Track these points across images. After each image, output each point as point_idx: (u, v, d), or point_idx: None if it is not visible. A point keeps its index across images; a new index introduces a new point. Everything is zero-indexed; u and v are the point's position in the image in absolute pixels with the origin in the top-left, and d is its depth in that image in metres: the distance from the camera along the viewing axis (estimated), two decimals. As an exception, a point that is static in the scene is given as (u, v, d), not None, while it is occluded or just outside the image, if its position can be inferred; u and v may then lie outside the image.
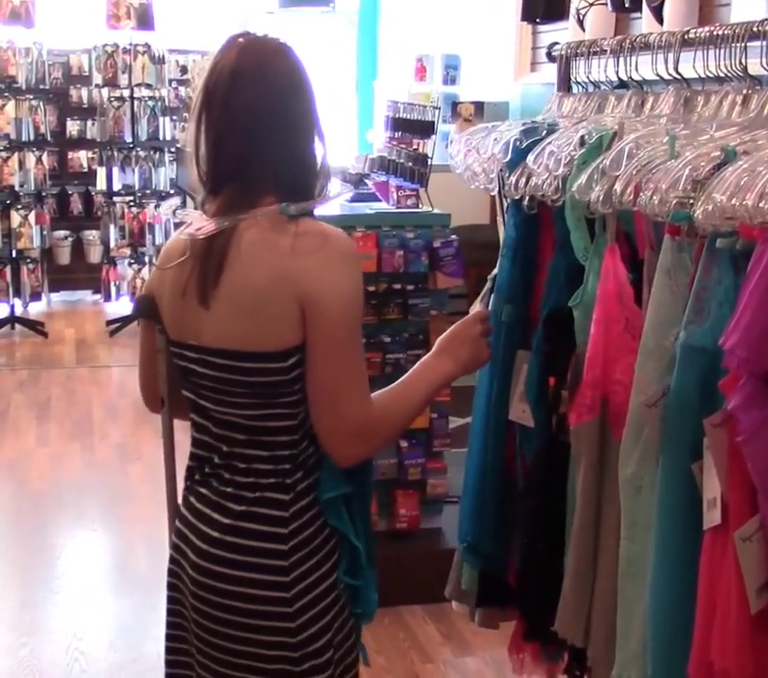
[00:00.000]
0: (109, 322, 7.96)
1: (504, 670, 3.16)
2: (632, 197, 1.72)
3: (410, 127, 3.93)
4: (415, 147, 3.85)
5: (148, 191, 8.36)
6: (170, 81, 8.60)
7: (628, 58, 2.16)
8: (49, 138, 8.54)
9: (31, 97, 8.23)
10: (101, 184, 8.36)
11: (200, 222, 1.74)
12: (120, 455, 5.41)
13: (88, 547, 4.41)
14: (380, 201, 3.89)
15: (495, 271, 2.29)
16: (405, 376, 1.85)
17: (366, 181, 4.01)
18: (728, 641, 1.53)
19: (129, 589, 3.93)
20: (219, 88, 1.71)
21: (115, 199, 8.30)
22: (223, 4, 8.75)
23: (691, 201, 1.58)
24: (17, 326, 7.92)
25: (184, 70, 8.69)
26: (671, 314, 1.67)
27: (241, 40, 1.74)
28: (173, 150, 8.36)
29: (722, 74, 1.91)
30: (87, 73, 8.77)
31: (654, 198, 1.65)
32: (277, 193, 1.71)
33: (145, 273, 8.21)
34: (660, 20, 3.37)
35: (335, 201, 3.74)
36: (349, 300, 1.70)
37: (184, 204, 2.12)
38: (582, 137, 1.95)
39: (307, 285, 1.66)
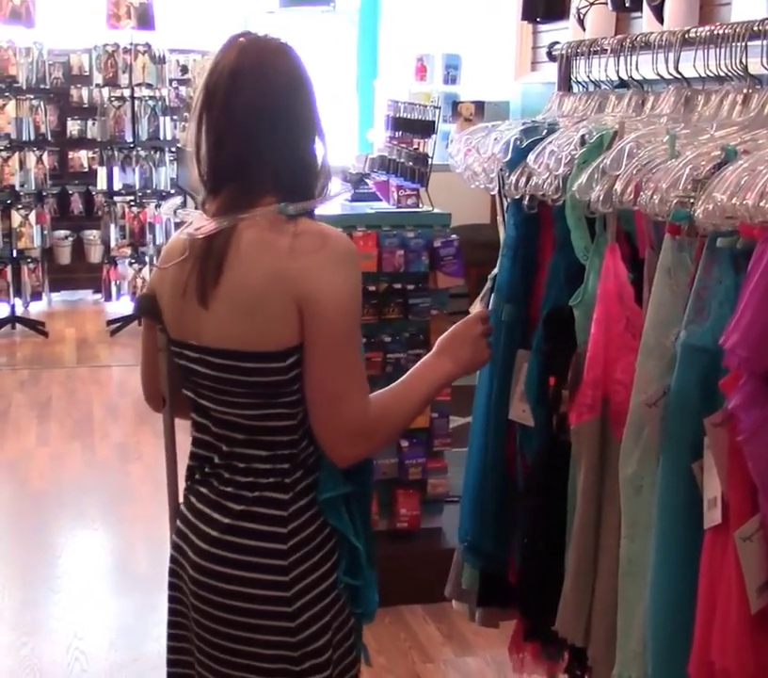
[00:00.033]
0: (110, 322, 7.96)
1: (504, 670, 3.16)
2: (632, 196, 1.72)
3: (411, 127, 3.93)
4: (416, 146, 3.84)
5: (148, 191, 8.36)
6: (171, 81, 8.60)
7: (628, 58, 2.16)
8: (49, 138, 8.54)
9: (32, 97, 8.23)
10: (101, 183, 8.36)
11: (199, 222, 1.74)
12: (120, 454, 5.41)
13: (89, 547, 4.41)
14: (381, 200, 3.89)
15: (495, 271, 2.29)
16: (404, 376, 1.85)
17: (367, 180, 4.00)
18: (729, 641, 1.53)
19: (129, 589, 3.94)
20: (220, 88, 1.71)
21: (115, 198, 8.30)
22: (223, 3, 8.76)
23: (691, 201, 1.58)
24: (18, 325, 7.92)
25: (184, 69, 8.70)
26: (672, 313, 1.67)
27: (242, 39, 1.74)
28: (174, 149, 8.37)
29: (722, 74, 1.91)
30: (87, 73, 8.77)
31: (655, 197, 1.65)
32: (277, 193, 1.71)
33: (145, 273, 8.21)
34: (660, 19, 3.37)
35: (335, 201, 3.74)
36: (347, 300, 1.70)
37: (184, 204, 2.13)
38: (582, 136, 1.95)
39: (305, 285, 1.66)
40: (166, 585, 1.89)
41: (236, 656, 1.77)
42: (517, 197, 2.13)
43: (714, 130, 1.79)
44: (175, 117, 8.47)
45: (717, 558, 1.56)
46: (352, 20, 8.59)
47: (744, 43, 1.86)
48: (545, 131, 2.13)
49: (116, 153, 8.28)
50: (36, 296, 8.35)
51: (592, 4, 3.84)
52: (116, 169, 8.25)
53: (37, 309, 8.48)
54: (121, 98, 8.28)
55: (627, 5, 3.60)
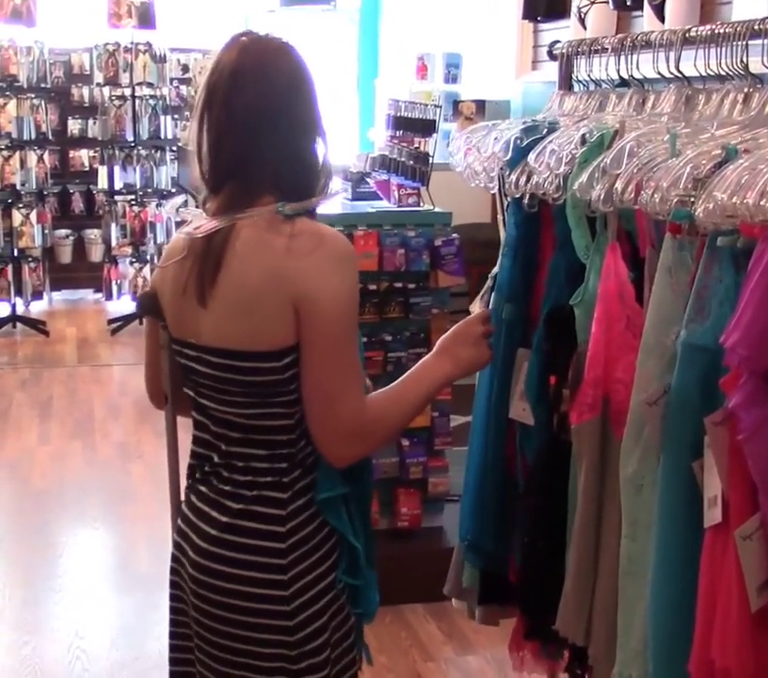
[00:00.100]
0: (111, 321, 7.96)
1: (505, 669, 3.16)
2: (633, 195, 1.72)
3: (412, 126, 3.93)
4: (416, 145, 3.84)
5: (149, 190, 8.36)
6: (172, 80, 8.60)
7: (629, 57, 2.16)
8: (50, 137, 8.54)
9: (32, 96, 8.23)
10: (102, 182, 8.36)
11: (199, 221, 1.75)
12: (121, 453, 5.41)
13: (90, 546, 4.41)
14: (381, 199, 3.89)
15: (496, 269, 2.29)
16: (404, 376, 1.85)
17: (367, 179, 4.00)
18: (729, 639, 1.53)
19: (131, 588, 3.94)
20: (221, 88, 1.72)
21: (116, 197, 8.30)
22: (224, 2, 8.76)
23: (692, 200, 1.58)
24: (19, 325, 7.93)
25: (185, 68, 8.69)
26: (672, 312, 1.67)
27: (243, 39, 1.74)
28: (175, 149, 8.37)
29: (723, 73, 1.91)
30: (88, 72, 8.77)
31: (655, 196, 1.65)
32: (277, 192, 1.71)
33: (146, 272, 8.22)
34: (661, 18, 3.37)
35: (335, 200, 3.75)
36: (344, 300, 1.70)
37: (187, 203, 2.13)
38: (583, 135, 1.95)
39: (302, 285, 1.66)
40: (166, 584, 1.90)
41: (235, 655, 1.77)
42: (517, 196, 2.13)
43: (715, 129, 1.79)
44: (176, 116, 8.47)
45: (717, 557, 1.56)
46: (353, 19, 8.59)
47: (744, 42, 1.86)
48: (545, 130, 2.13)
49: (117, 152, 8.28)
50: (37, 295, 8.35)
51: (593, 3, 3.84)
52: (117, 169, 8.25)
53: (38, 308, 8.48)
54: (122, 97, 8.28)
55: (628, 4, 3.59)
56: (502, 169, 2.18)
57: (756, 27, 1.83)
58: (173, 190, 8.21)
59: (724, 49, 1.89)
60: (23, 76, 8.13)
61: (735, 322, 1.48)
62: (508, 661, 2.34)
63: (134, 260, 8.32)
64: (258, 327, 1.69)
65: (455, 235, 3.65)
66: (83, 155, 9.07)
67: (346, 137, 8.00)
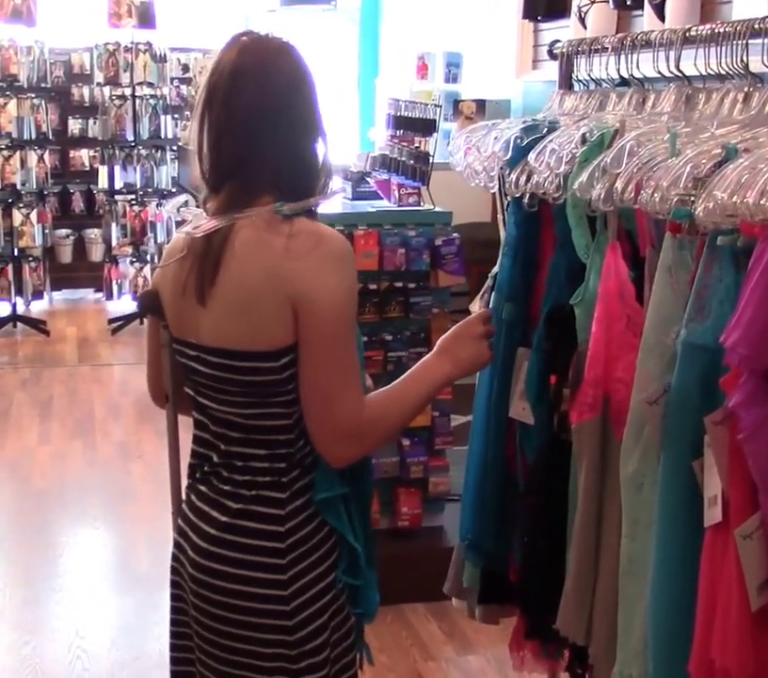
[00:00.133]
0: (111, 320, 7.96)
1: (506, 668, 3.16)
2: (633, 195, 1.72)
3: (412, 125, 3.93)
4: (417, 145, 3.84)
5: (149, 190, 8.36)
6: (172, 79, 8.60)
7: (629, 56, 2.16)
8: (51, 137, 8.54)
9: (33, 96, 8.23)
10: (102, 182, 8.36)
11: (199, 220, 1.75)
12: (121, 453, 5.41)
13: (90, 545, 4.41)
14: (382, 199, 3.89)
15: (496, 269, 2.29)
16: (403, 376, 1.85)
17: (368, 179, 4.00)
18: (729, 639, 1.53)
19: (131, 588, 3.94)
20: (221, 87, 1.72)
21: (116, 197, 8.30)
22: (224, 2, 8.76)
23: (692, 199, 1.58)
24: (19, 324, 7.93)
25: (185, 68, 8.69)
26: (672, 311, 1.67)
27: (244, 38, 1.74)
28: (175, 148, 8.37)
29: (723, 72, 1.91)
30: (88, 72, 8.77)
31: (655, 195, 1.65)
32: (276, 192, 1.71)
33: (147, 271, 8.22)
34: (661, 17, 3.37)
35: (335, 200, 3.74)
36: (342, 300, 1.69)
37: (188, 203, 2.13)
38: (583, 134, 1.95)
39: (300, 285, 1.66)
40: (167, 583, 1.90)
41: (235, 654, 1.78)
42: (517, 195, 2.13)
43: (715, 128, 1.79)
44: (176, 115, 8.47)
45: (718, 557, 1.56)
46: (353, 18, 8.59)
47: (744, 42, 1.86)
48: (546, 129, 2.13)
49: (117, 151, 8.29)
50: (37, 294, 8.35)
51: (593, 2, 3.84)
52: (117, 168, 8.26)
53: (38, 308, 8.49)
54: (123, 97, 8.28)
55: (628, 3, 3.59)
56: (502, 168, 2.18)
57: (756, 26, 1.83)
58: (173, 190, 8.21)
59: (724, 48, 1.89)
60: (23, 76, 8.13)
61: (735, 321, 1.48)
62: (509, 661, 2.34)
63: (134, 260, 8.33)
64: (256, 327, 1.69)
65: (455, 235, 3.65)
66: (83, 155, 9.07)
67: (347, 137, 8.00)
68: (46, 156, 8.31)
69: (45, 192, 8.48)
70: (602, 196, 1.79)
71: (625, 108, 2.15)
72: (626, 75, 2.19)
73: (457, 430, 3.72)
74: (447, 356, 1.87)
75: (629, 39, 2.16)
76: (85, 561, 4.22)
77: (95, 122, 8.71)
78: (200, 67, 7.47)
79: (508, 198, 2.22)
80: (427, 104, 3.89)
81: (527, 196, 2.10)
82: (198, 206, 1.84)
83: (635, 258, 1.88)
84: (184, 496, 1.90)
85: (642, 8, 3.50)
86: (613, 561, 1.86)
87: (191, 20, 8.69)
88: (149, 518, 4.48)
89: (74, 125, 8.98)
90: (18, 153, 7.96)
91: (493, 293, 2.27)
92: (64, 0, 8.61)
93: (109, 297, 8.47)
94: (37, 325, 7.88)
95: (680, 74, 2.05)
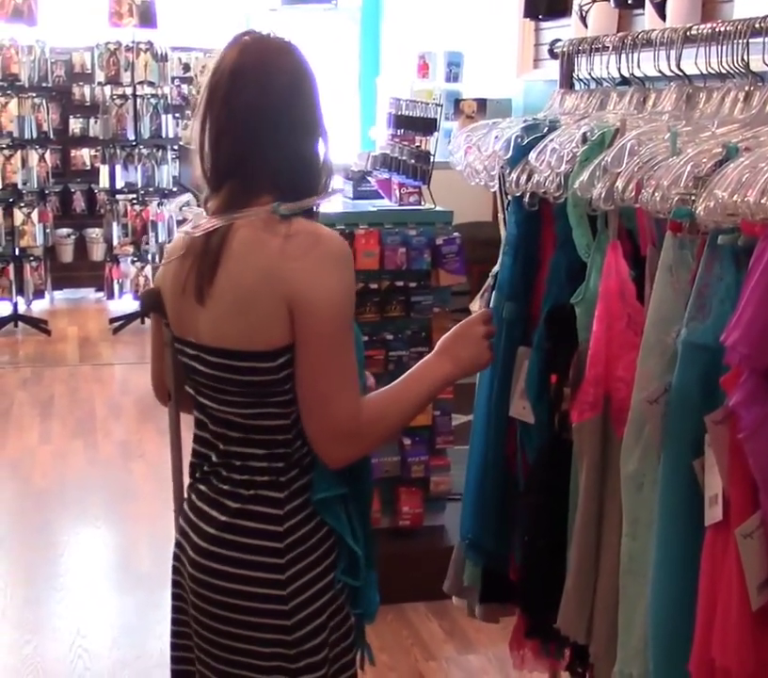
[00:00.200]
0: (112, 320, 7.96)
1: (506, 668, 3.16)
2: (633, 194, 1.72)
3: (413, 124, 3.93)
4: (418, 144, 3.84)
5: (150, 189, 8.36)
6: (173, 79, 8.60)
7: (630, 55, 2.16)
8: (52, 136, 8.53)
9: (34, 95, 8.23)
10: (103, 181, 8.35)
11: (199, 220, 1.75)
12: (122, 452, 5.41)
13: (92, 545, 4.41)
14: (383, 198, 3.89)
15: (496, 268, 2.29)
16: (403, 376, 1.84)
17: (369, 178, 4.00)
18: (729, 638, 1.53)
19: (132, 587, 3.94)
20: (221, 87, 1.72)
21: (118, 196, 8.30)
22: (226, 1, 8.76)
23: (692, 198, 1.58)
24: (20, 324, 7.93)
25: (186, 67, 8.69)
26: (673, 310, 1.67)
27: (246, 38, 1.75)
28: (176, 147, 8.37)
29: (724, 71, 1.91)
30: (89, 71, 8.77)
31: (656, 194, 1.64)
32: (276, 191, 1.71)
33: (148, 271, 8.22)
34: (662, 16, 3.37)
35: (336, 199, 3.75)
36: (339, 300, 1.69)
37: (190, 202, 2.14)
38: (584, 133, 1.95)
39: (297, 285, 1.66)
40: (168, 582, 1.90)
41: (234, 654, 1.78)
42: (518, 194, 2.13)
43: (716, 127, 1.79)
44: (177, 115, 8.47)
45: (718, 556, 1.56)
46: (354, 17, 8.59)
47: (745, 40, 1.86)
48: (546, 128, 2.13)
49: (118, 151, 8.28)
50: (38, 294, 8.35)
51: (594, 1, 3.84)
52: (118, 168, 8.25)
53: (39, 307, 8.48)
54: (123, 96, 8.28)
55: (629, 2, 3.60)
56: (502, 167, 2.18)
57: (757, 25, 1.83)
58: (174, 189, 8.22)
59: (725, 47, 1.89)
60: (24, 75, 8.13)
61: (736, 320, 1.48)
62: (510, 660, 2.34)
63: (135, 259, 8.33)
64: (253, 327, 1.69)
65: (456, 234, 3.65)
66: (84, 154, 9.07)
67: (348, 136, 8.00)
68: (47, 156, 8.31)
69: (46, 191, 8.48)
70: (603, 195, 1.79)
71: (626, 107, 2.15)
72: (627, 74, 2.19)
73: (458, 429, 3.71)
74: (447, 356, 1.87)
75: (630, 38, 2.16)
76: (86, 560, 4.23)
77: (96, 122, 8.70)
78: (201, 66, 7.47)
79: (509, 197, 2.22)
80: (428, 104, 3.89)
81: (528, 195, 2.10)
82: (199, 205, 1.84)
83: (636, 257, 1.88)
84: (185, 495, 1.90)
85: (643, 6, 3.50)
86: (613, 560, 1.86)
87: (192, 19, 8.69)
88: (150, 517, 4.48)
89: (75, 125, 8.98)
90: (19, 152, 7.96)
91: (494, 292, 2.26)
92: (65, -1, 8.63)
93: (110, 296, 8.47)
94: (38, 324, 7.88)
95: (680, 73, 2.05)
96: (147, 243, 8.25)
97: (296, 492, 1.76)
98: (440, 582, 2.48)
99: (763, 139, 1.64)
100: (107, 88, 8.36)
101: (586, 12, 3.93)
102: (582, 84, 2.42)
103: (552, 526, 2.04)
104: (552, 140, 2.01)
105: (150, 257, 8.26)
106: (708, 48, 1.94)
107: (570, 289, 1.97)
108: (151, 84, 8.29)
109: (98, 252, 8.90)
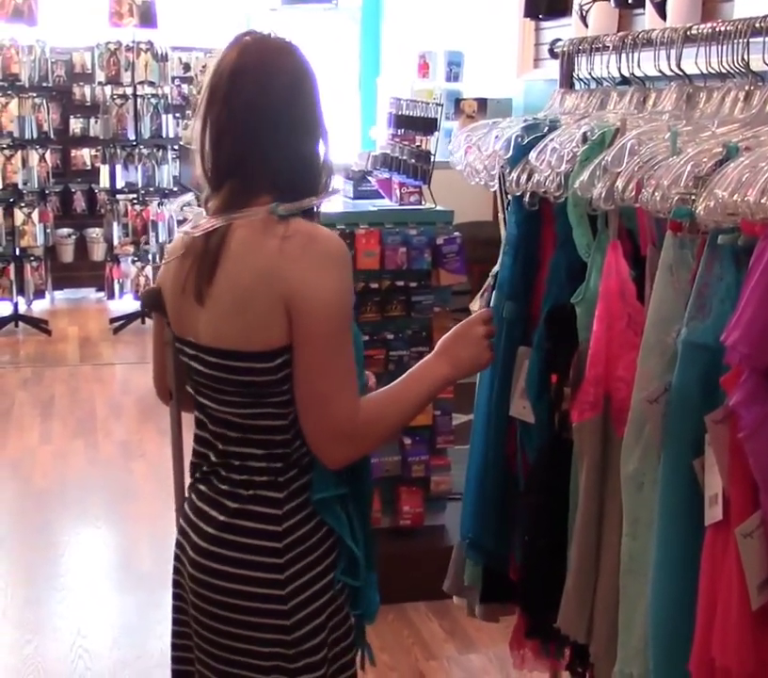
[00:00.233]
0: (113, 320, 7.96)
1: (507, 667, 3.16)
2: (633, 193, 1.72)
3: (413, 124, 3.93)
4: (418, 144, 3.84)
5: (151, 189, 8.36)
6: (173, 78, 8.60)
7: (630, 55, 2.16)
8: (52, 136, 8.53)
9: (34, 95, 8.23)
10: (104, 181, 8.36)
11: (199, 220, 1.75)
12: (123, 452, 5.42)
13: (92, 545, 4.41)
14: (383, 198, 3.89)
15: (496, 268, 2.29)
16: (402, 376, 1.84)
17: (369, 178, 4.00)
18: (729, 638, 1.53)
19: (133, 587, 3.94)
20: (221, 87, 1.72)
21: (118, 196, 8.30)
22: (226, 1, 8.76)
23: (693, 198, 1.57)
24: (21, 324, 7.93)
25: (186, 67, 8.69)
26: (673, 310, 1.67)
27: (247, 38, 1.75)
28: (176, 147, 8.37)
29: (724, 71, 1.91)
30: (89, 71, 8.77)
31: (656, 194, 1.64)
32: (276, 191, 1.71)
33: (148, 271, 8.22)
34: (663, 16, 3.37)
35: (336, 199, 3.74)
36: (336, 301, 1.69)
37: (191, 203, 2.14)
38: (584, 133, 1.95)
39: (294, 285, 1.66)
40: (168, 582, 1.90)
41: (233, 653, 1.78)
42: (518, 194, 2.13)
43: (716, 127, 1.79)
44: (177, 114, 8.47)
45: (718, 555, 1.56)
46: (354, 17, 8.59)
47: (745, 40, 1.86)
48: (547, 128, 2.13)
49: (118, 150, 8.28)
50: (39, 294, 8.35)
51: (594, 1, 3.84)
52: (118, 167, 8.25)
53: (40, 307, 8.49)
54: (124, 96, 8.28)
55: (629, 2, 3.60)
56: (502, 167, 2.18)
57: (757, 25, 1.83)
58: (175, 189, 8.22)
59: (725, 47, 1.89)
60: (24, 75, 8.13)
61: (736, 320, 1.48)
62: (510, 659, 2.34)
63: (136, 259, 8.33)
64: (251, 327, 1.69)
65: (456, 234, 3.65)
66: (85, 154, 9.07)
67: (348, 136, 7.99)
68: (48, 156, 8.30)
69: (47, 191, 8.47)
70: (603, 195, 1.79)
71: (626, 107, 2.15)
72: (627, 74, 2.19)
73: (459, 429, 3.71)
74: (447, 356, 1.87)
75: (630, 37, 2.16)
76: (87, 560, 4.23)
77: (96, 122, 8.70)
78: (201, 66, 7.48)
79: (509, 196, 2.22)
80: (429, 103, 3.89)
81: (528, 195, 2.10)
82: (200, 205, 1.84)
83: (636, 257, 1.88)
84: (186, 495, 1.90)
85: (643, 6, 3.50)
86: (613, 560, 1.86)
87: (192, 19, 8.69)
88: (150, 517, 4.48)
89: (76, 125, 8.98)
90: (19, 152, 7.96)
91: (494, 292, 2.26)
92: (65, -1, 8.63)
93: (111, 296, 8.47)
94: (38, 324, 7.88)
95: (681, 73, 2.05)
96: (147, 243, 8.25)
97: (295, 493, 1.76)
98: (440, 582, 2.48)
99: (763, 139, 1.64)
100: (108, 88, 8.36)
101: (587, 12, 3.92)
102: (582, 83, 2.42)
103: (552, 526, 2.04)
104: (552, 140, 2.01)
105: (150, 257, 8.26)
106: (708, 48, 1.94)
107: (571, 289, 1.97)
108: (151, 84, 8.30)
109: (98, 252, 8.90)
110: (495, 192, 2.33)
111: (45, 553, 4.21)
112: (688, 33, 1.99)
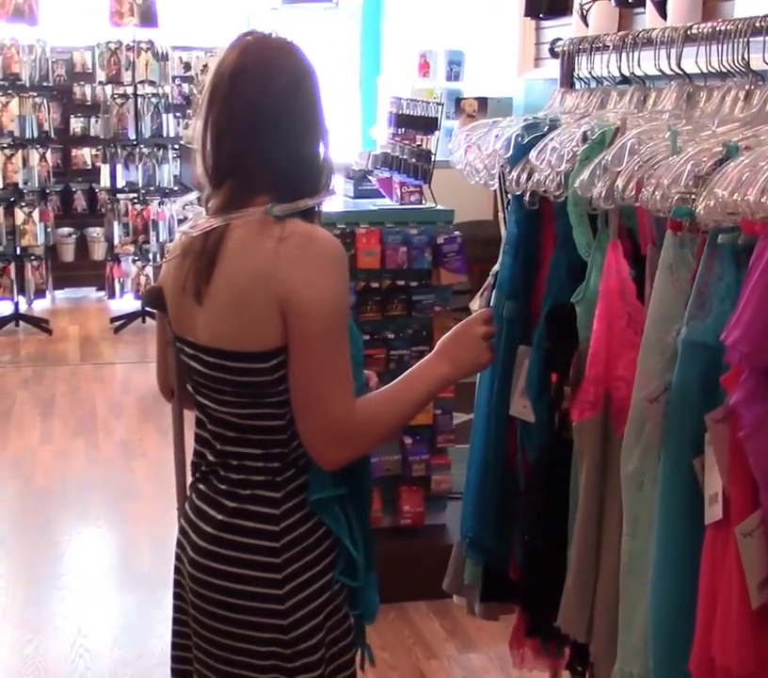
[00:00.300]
0: (113, 319, 7.97)
1: (507, 666, 3.15)
2: (634, 193, 1.72)
3: (414, 123, 3.93)
4: (418, 143, 3.84)
5: (151, 188, 8.36)
6: (174, 78, 8.60)
7: (630, 54, 2.16)
8: (53, 136, 8.54)
9: (35, 94, 8.24)
10: (104, 181, 8.36)
11: (198, 219, 1.75)
12: (124, 452, 5.42)
13: (93, 544, 4.42)
14: (384, 197, 3.89)
15: (497, 267, 2.29)
16: (401, 376, 1.84)
17: (370, 177, 4.01)
18: (729, 637, 1.53)
19: (133, 586, 3.94)
20: (222, 86, 1.72)
21: (119, 196, 8.30)
22: (226, 0, 8.75)
23: (693, 197, 1.57)
24: (21, 323, 7.93)
25: (187, 67, 8.70)
26: (673, 309, 1.67)
27: (248, 38, 1.75)
28: (177, 147, 8.37)
29: (724, 70, 1.91)
30: (90, 71, 8.78)
31: (656, 193, 1.64)
32: (275, 191, 1.71)
33: (149, 270, 8.23)
34: (663, 15, 3.37)
35: (336, 199, 3.74)
36: (331, 301, 1.68)
37: (194, 202, 2.14)
38: (584, 132, 1.95)
39: (290, 286, 1.66)
40: (169, 582, 1.91)
41: (231, 653, 1.78)
42: (518, 193, 2.13)
43: (716, 126, 1.79)
44: (178, 114, 8.47)
45: (718, 554, 1.56)
46: (355, 16, 8.58)
47: (746, 39, 1.86)
48: (547, 127, 2.13)
49: (119, 150, 8.28)
50: (39, 293, 8.35)
51: (595, 0, 3.84)
52: (119, 167, 8.25)
53: (40, 306, 8.49)
54: (124, 95, 8.28)
55: (630, 1, 3.60)
56: (503, 166, 2.18)
57: (757, 24, 1.83)
58: (175, 188, 8.22)
59: (725, 46, 1.89)
60: (25, 75, 8.14)
61: (736, 319, 1.48)
62: (510, 658, 2.34)
63: (136, 258, 8.33)
64: (247, 327, 1.69)
65: (457, 233, 3.65)
66: (85, 154, 9.08)
67: (349, 135, 7.99)
68: (48, 155, 8.31)
69: (47, 191, 8.48)
70: (603, 194, 1.79)
71: (626, 106, 2.15)
72: (627, 73, 2.19)
73: (459, 428, 3.71)
74: (446, 357, 1.87)
75: (630, 37, 2.16)
76: (87, 560, 4.23)
77: (97, 121, 8.70)
78: (202, 65, 7.47)
79: (509, 196, 2.22)
80: (429, 102, 3.89)
81: (528, 194, 2.10)
82: (201, 205, 1.84)
83: (636, 256, 1.88)
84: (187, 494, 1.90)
85: (644, 5, 3.50)
86: (613, 559, 1.86)
87: (193, 18, 8.70)
88: (151, 516, 4.48)
89: (76, 124, 8.99)
90: (20, 151, 7.97)
91: (494, 291, 2.26)
92: (66, -1, 8.63)
93: (111, 295, 8.47)
94: (39, 324, 7.89)
95: (681, 72, 2.05)
96: (148, 242, 8.25)
97: (293, 492, 1.76)
98: (441, 581, 2.48)
99: (764, 138, 1.64)
100: (108, 88, 8.36)
101: (587, 11, 3.92)
102: (582, 83, 2.42)
103: (552, 525, 2.04)
104: (552, 139, 2.01)
105: (151, 256, 8.26)
106: (708, 47, 1.94)
107: (571, 288, 1.97)
108: (151, 83, 8.30)
109: (99, 252, 8.90)
110: (495, 191, 2.33)
111: (46, 552, 4.22)
112: (688, 32, 1.99)
